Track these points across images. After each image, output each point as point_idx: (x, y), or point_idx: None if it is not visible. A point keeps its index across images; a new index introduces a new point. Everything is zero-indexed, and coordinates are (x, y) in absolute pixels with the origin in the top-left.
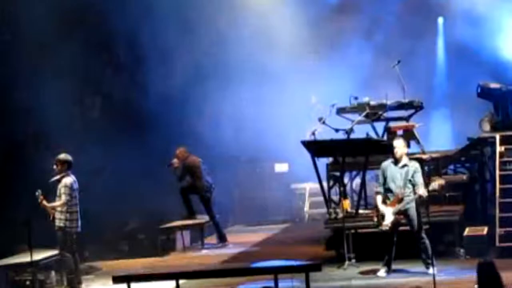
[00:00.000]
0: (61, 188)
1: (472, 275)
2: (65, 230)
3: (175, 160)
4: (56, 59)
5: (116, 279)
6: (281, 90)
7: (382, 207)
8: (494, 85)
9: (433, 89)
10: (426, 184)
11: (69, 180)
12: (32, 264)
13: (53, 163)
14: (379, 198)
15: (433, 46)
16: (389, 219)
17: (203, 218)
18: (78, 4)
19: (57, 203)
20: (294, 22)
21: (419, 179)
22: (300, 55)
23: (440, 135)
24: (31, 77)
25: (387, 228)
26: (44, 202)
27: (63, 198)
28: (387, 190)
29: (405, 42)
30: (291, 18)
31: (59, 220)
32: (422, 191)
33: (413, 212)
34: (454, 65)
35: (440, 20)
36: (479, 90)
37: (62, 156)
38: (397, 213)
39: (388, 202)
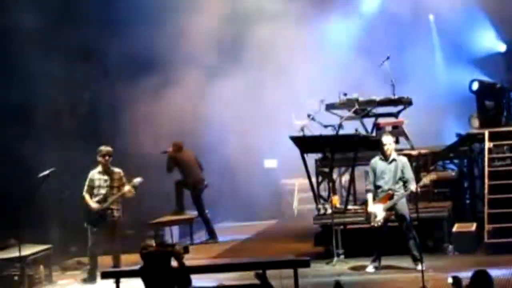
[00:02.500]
0: (122, 178)
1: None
2: (121, 220)
3: (169, 149)
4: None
5: (105, 275)
6: (270, 85)
7: (372, 205)
8: (488, 82)
9: (424, 85)
10: (418, 180)
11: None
12: (20, 259)
13: (104, 154)
14: (370, 196)
15: (424, 43)
16: (380, 215)
17: (192, 214)
18: None
19: (133, 192)
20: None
21: (410, 174)
22: (289, 50)
23: (430, 131)
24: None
25: (379, 224)
26: (133, 190)
27: (133, 188)
28: (377, 186)
29: (396, 38)
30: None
31: (118, 210)
32: (414, 186)
33: (403, 208)
34: (446, 61)
35: (431, 17)
36: (473, 86)
37: (104, 147)
38: (388, 209)
39: (377, 198)
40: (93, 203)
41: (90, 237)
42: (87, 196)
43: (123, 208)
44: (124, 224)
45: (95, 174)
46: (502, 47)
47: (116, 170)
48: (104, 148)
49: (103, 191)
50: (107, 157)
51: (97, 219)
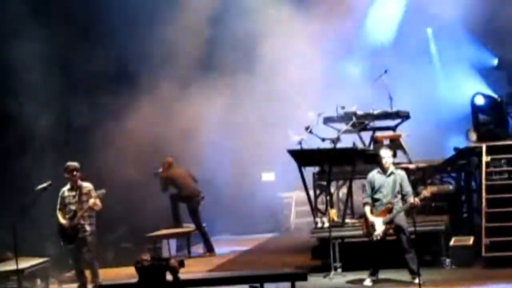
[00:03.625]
0: (91, 192)
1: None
2: (95, 234)
3: (160, 170)
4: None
5: None
6: (268, 99)
7: (371, 218)
8: (490, 96)
9: (422, 98)
10: (417, 193)
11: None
12: (17, 272)
13: (71, 170)
14: (367, 209)
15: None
16: (380, 228)
17: (189, 227)
18: None
19: (98, 205)
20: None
21: (408, 187)
22: (287, 63)
23: (428, 144)
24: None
25: (379, 238)
26: (99, 203)
27: (99, 201)
28: (375, 200)
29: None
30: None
31: (90, 225)
32: (414, 199)
33: (402, 222)
34: (445, 74)
35: (429, 30)
36: (477, 100)
37: (71, 163)
38: (388, 222)
39: (375, 212)
40: (63, 220)
41: (70, 255)
42: (59, 214)
43: (122, 221)
44: (121, 236)
45: (66, 191)
46: (494, 61)
47: (85, 184)
48: (71, 164)
49: (73, 207)
50: (74, 173)
51: (70, 236)
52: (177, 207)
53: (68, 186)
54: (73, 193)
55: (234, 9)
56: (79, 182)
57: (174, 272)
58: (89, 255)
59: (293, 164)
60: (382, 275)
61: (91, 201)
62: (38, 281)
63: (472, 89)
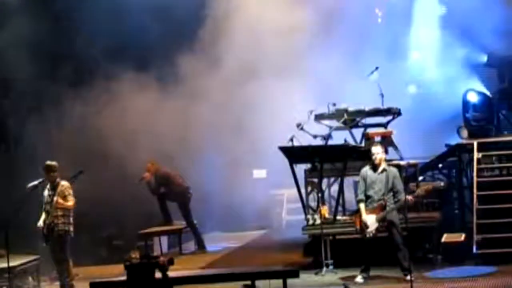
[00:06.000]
0: (66, 190)
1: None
2: (69, 234)
3: (146, 174)
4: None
5: (94, 286)
6: (258, 95)
7: (365, 215)
8: (482, 92)
9: (413, 95)
10: (406, 190)
11: (68, 182)
12: (9, 270)
13: (46, 170)
14: (362, 206)
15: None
16: (373, 225)
17: (180, 224)
18: None
19: (70, 203)
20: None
21: (400, 185)
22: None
23: (419, 141)
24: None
25: (371, 235)
26: (61, 200)
27: (73, 199)
28: (367, 196)
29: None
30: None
31: (64, 224)
32: (406, 196)
33: (394, 219)
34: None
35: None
36: (469, 97)
37: (49, 162)
38: (381, 219)
39: (367, 208)
40: (41, 220)
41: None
42: (43, 214)
43: (114, 218)
44: (112, 234)
45: (46, 191)
46: (484, 58)
47: (62, 182)
48: (46, 163)
49: (48, 206)
50: (50, 173)
51: (45, 236)
52: (165, 205)
53: (48, 186)
54: (50, 192)
55: None
56: (58, 180)
57: (163, 270)
58: (61, 254)
59: (284, 161)
60: (374, 272)
61: (55, 199)
62: (30, 278)
63: (464, 86)
